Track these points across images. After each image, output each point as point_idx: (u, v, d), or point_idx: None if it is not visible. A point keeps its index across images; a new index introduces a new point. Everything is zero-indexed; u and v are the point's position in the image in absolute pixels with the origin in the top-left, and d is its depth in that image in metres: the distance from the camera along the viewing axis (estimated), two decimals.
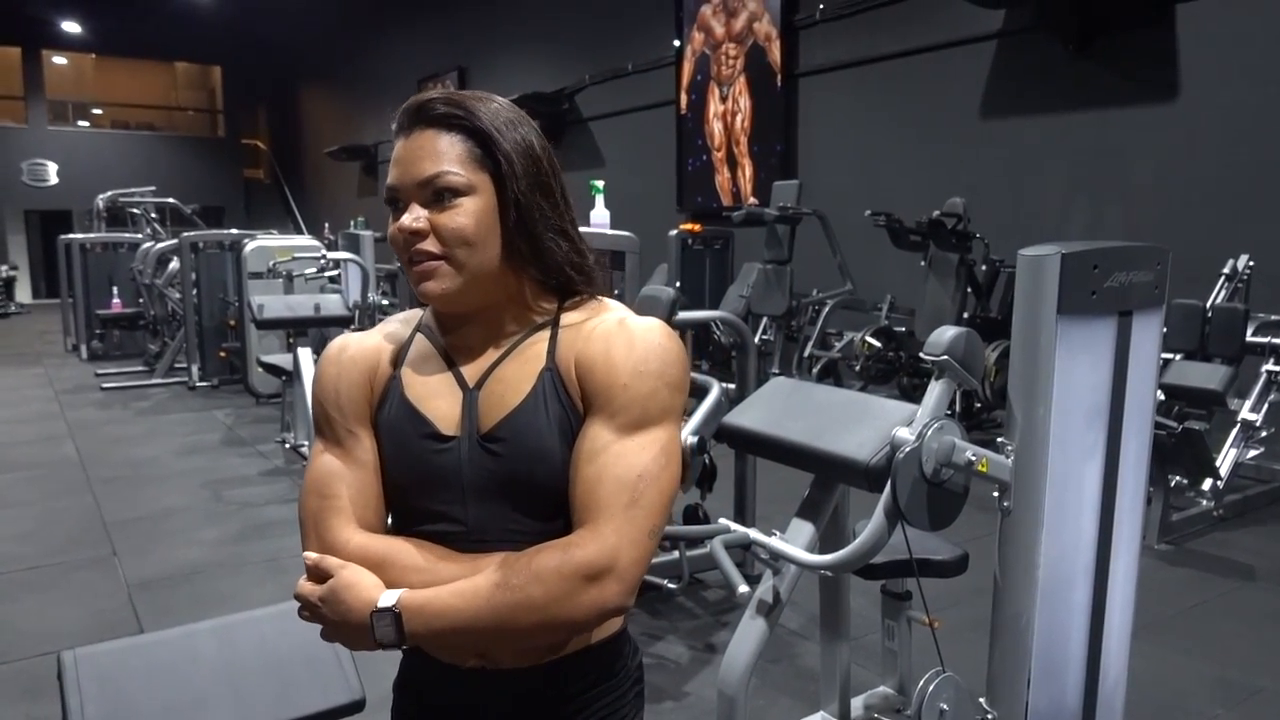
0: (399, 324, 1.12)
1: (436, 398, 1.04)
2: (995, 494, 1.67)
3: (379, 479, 1.04)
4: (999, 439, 1.68)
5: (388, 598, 0.93)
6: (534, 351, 1.04)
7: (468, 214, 0.99)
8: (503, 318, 1.06)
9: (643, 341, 1.00)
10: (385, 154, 16.40)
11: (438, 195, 0.99)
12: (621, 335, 1.01)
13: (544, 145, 1.04)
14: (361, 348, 1.09)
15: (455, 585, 0.93)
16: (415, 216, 0.99)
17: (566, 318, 1.06)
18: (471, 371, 1.05)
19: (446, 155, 0.99)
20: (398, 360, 1.07)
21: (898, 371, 6.20)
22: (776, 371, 6.62)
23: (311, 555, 0.98)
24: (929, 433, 1.60)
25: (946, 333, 1.65)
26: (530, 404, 1.00)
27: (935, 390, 1.66)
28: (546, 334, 1.05)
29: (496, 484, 1.00)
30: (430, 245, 0.99)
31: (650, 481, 0.96)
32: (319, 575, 0.97)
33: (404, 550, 0.99)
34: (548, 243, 1.03)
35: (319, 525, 1.01)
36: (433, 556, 0.99)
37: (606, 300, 1.09)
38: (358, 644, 0.96)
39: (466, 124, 1.00)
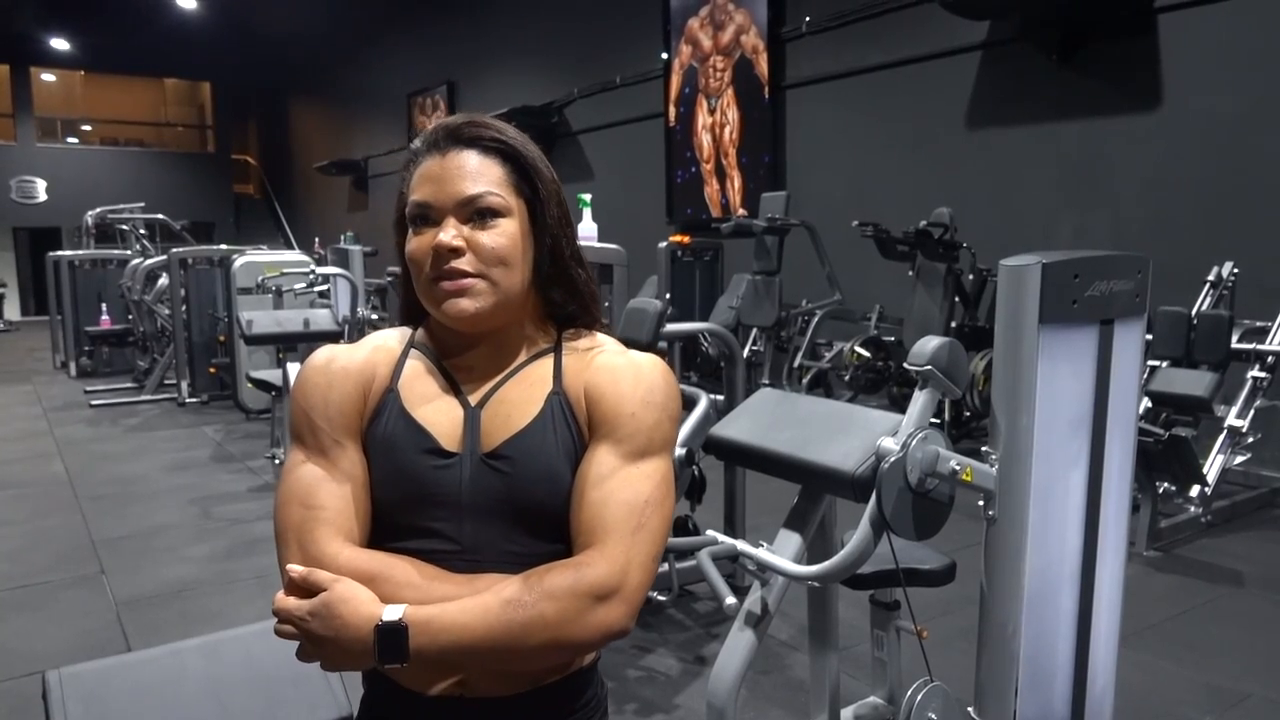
0: (389, 339, 1.11)
1: (437, 414, 1.03)
2: (980, 503, 1.68)
3: (366, 493, 1.02)
4: (984, 448, 1.69)
5: (392, 611, 0.91)
6: (539, 375, 1.05)
7: (507, 235, 1.01)
8: (507, 342, 1.07)
9: (648, 376, 1.04)
10: (375, 169, 16.44)
11: (478, 215, 1.00)
12: (628, 368, 1.04)
13: (558, 179, 1.09)
14: (352, 359, 1.07)
15: (462, 602, 0.92)
16: (454, 234, 0.99)
17: (568, 345, 1.08)
18: (473, 390, 1.05)
19: (486, 177, 1.01)
20: (394, 375, 1.06)
21: (887, 381, 6.22)
22: (767, 382, 6.64)
23: (298, 568, 0.95)
24: (913, 442, 1.61)
25: (930, 343, 1.65)
26: (539, 425, 1.01)
27: (919, 400, 1.67)
28: (549, 359, 1.07)
29: (497, 503, 1.00)
30: (466, 264, 0.99)
31: (654, 508, 0.98)
32: (305, 589, 0.93)
33: (397, 566, 0.97)
34: (573, 270, 1.07)
35: (303, 537, 0.98)
36: (427, 574, 0.97)
37: (599, 334, 1.12)
38: (346, 662, 0.93)
39: (505, 150, 1.02)
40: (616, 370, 1.04)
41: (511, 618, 0.90)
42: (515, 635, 0.90)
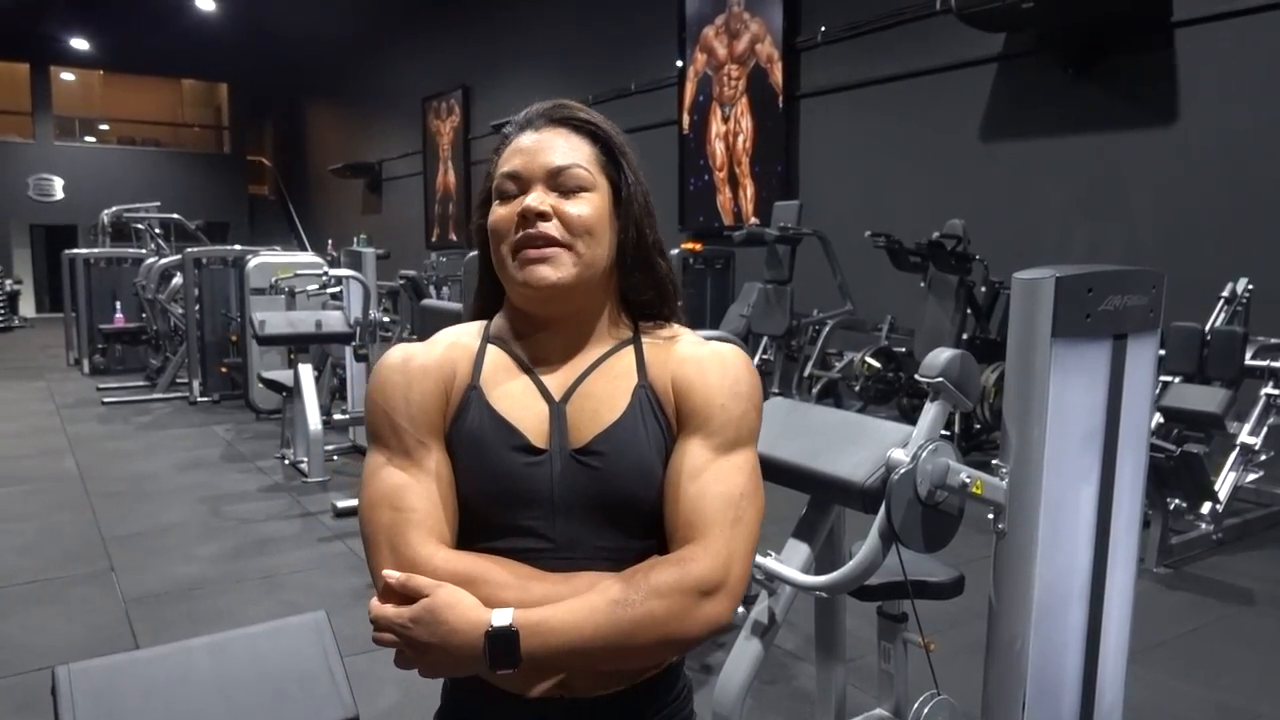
0: (463, 335, 1.09)
1: (522, 410, 1.01)
2: (990, 516, 1.67)
3: (453, 492, 1.00)
4: (994, 461, 1.68)
5: (501, 616, 0.89)
6: (622, 368, 1.04)
7: (594, 207, 1.01)
8: (584, 330, 1.05)
9: (733, 366, 1.03)
10: (389, 172, 16.51)
11: (566, 186, 1.00)
12: (714, 359, 1.03)
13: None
14: (430, 357, 1.05)
15: (569, 603, 0.91)
16: (542, 199, 0.99)
17: (647, 336, 1.07)
18: (555, 384, 1.03)
19: (577, 152, 1.02)
20: (474, 371, 1.04)
21: (897, 392, 6.20)
22: (777, 391, 6.63)
23: (394, 574, 0.92)
24: (924, 454, 1.61)
25: (941, 355, 1.65)
26: (629, 419, 1.00)
27: (930, 412, 1.67)
28: (630, 351, 1.05)
29: (589, 499, 0.99)
30: (553, 229, 0.99)
31: (750, 500, 0.98)
32: (403, 595, 0.91)
33: (496, 569, 0.95)
34: (655, 258, 1.07)
35: (395, 540, 0.96)
36: (523, 574, 0.95)
37: (676, 325, 1.11)
38: (452, 669, 0.93)
39: (595, 131, 1.05)
40: (703, 361, 1.03)
41: (621, 616, 0.89)
42: (625, 634, 0.89)
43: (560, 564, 0.97)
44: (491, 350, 1.07)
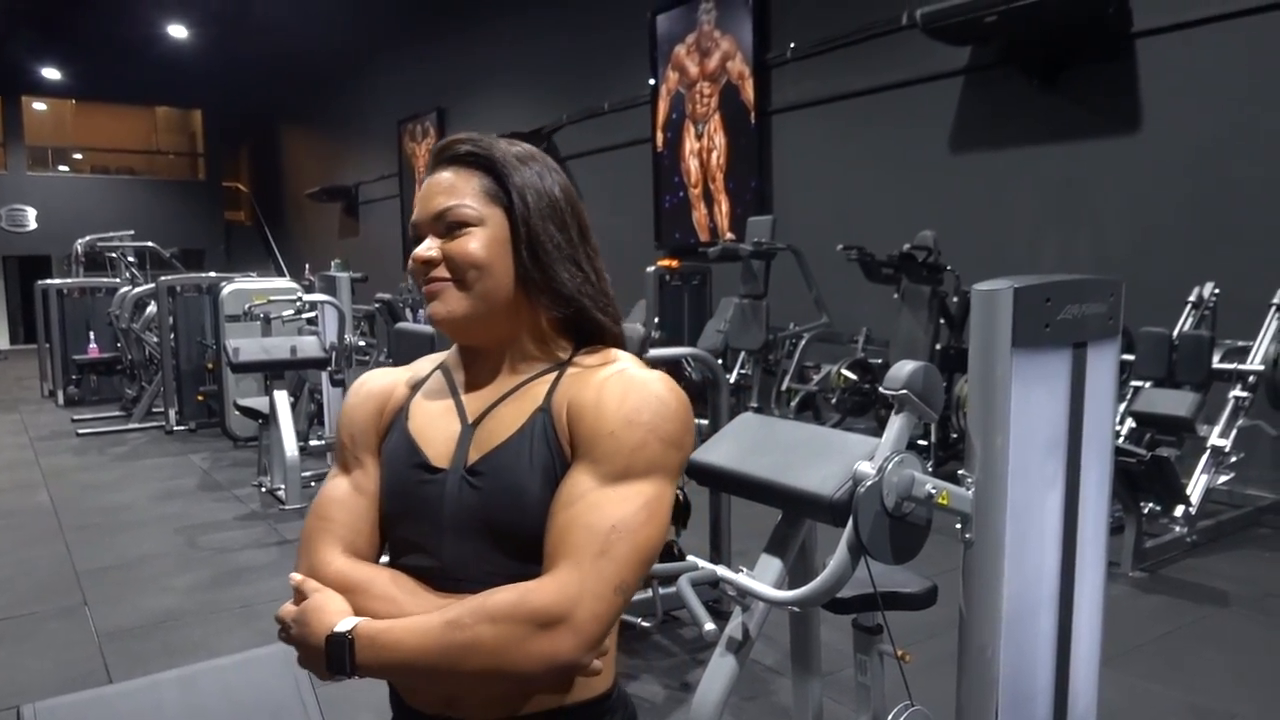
0: (427, 362, 1.15)
1: (435, 430, 1.05)
2: (958, 526, 1.68)
3: (377, 507, 1.06)
4: (960, 471, 1.70)
5: (345, 624, 0.93)
6: (535, 392, 1.04)
7: (477, 239, 1.01)
8: (514, 357, 1.06)
9: (638, 392, 0.98)
10: (366, 195, 16.52)
11: (450, 227, 1.02)
12: (617, 384, 0.99)
13: (564, 186, 1.08)
14: (380, 382, 1.13)
15: (411, 619, 0.93)
16: (428, 247, 1.03)
17: (576, 363, 1.06)
18: (474, 407, 1.06)
19: (460, 190, 1.03)
20: (410, 393, 1.11)
21: (874, 404, 6.23)
22: (756, 406, 6.65)
23: (296, 576, 1.00)
24: (889, 466, 1.61)
25: (905, 367, 1.67)
26: (515, 442, 1.00)
27: (895, 424, 1.68)
28: (552, 376, 1.05)
29: (475, 521, 0.99)
30: (441, 272, 1.02)
31: (624, 535, 0.92)
32: (299, 597, 0.98)
33: (379, 580, 0.99)
34: (560, 270, 1.04)
35: (307, 546, 1.04)
36: (405, 590, 0.99)
37: (619, 352, 1.08)
38: (319, 669, 0.95)
39: (483, 161, 1.04)
40: (604, 387, 0.99)
41: (451, 639, 0.89)
42: (453, 657, 0.89)
43: (448, 585, 0.99)
44: (435, 376, 1.12)
